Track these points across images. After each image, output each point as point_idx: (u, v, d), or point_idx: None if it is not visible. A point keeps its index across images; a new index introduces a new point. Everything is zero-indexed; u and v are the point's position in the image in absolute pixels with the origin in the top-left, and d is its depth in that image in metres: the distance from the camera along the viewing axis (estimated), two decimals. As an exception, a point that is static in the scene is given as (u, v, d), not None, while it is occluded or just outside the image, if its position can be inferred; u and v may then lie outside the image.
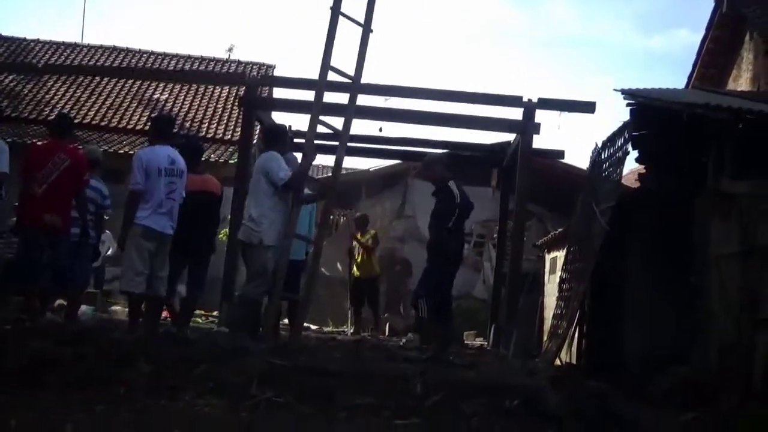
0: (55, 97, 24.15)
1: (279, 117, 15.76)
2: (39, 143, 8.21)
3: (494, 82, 74.79)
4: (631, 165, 11.55)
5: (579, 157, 56.36)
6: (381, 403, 6.12)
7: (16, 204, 8.46)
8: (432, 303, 9.15)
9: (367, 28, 8.78)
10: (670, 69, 67.21)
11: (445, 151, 11.48)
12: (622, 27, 77.93)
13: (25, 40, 27.46)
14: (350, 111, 8.92)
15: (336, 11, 8.62)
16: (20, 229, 8.24)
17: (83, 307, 11.40)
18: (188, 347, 7.30)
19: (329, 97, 12.34)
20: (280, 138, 8.50)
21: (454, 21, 79.02)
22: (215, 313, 12.92)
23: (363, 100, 11.99)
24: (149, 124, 8.67)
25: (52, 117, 22.02)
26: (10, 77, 24.63)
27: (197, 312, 12.99)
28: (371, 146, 14.75)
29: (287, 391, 6.17)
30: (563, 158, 14.03)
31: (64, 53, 26.88)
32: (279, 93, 19.14)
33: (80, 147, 9.37)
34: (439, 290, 9.41)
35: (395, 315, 16.76)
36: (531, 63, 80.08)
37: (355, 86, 8.91)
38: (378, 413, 5.91)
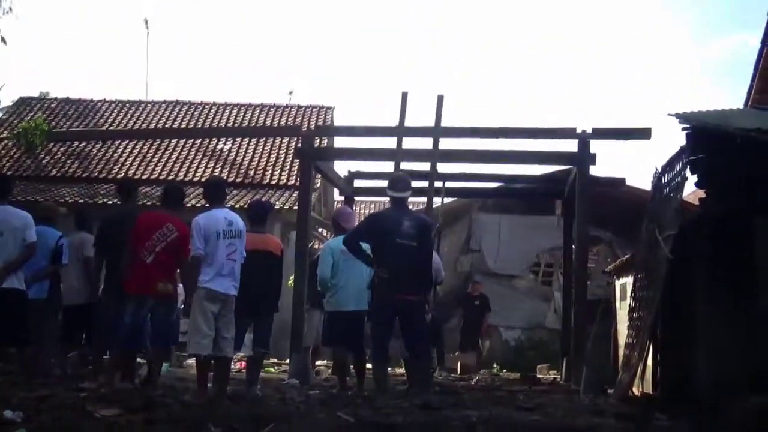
0: (123, 155, 24.74)
1: (337, 165, 16.09)
2: (150, 212, 8.47)
3: (550, 101, 74.20)
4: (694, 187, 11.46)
5: (646, 173, 55.43)
6: (446, 454, 6.17)
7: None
8: None
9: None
10: (733, 75, 65.74)
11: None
12: (679, 35, 76.84)
13: (92, 101, 28.31)
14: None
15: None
16: (128, 295, 8.23)
17: (158, 365, 11.66)
18: (257, 406, 7.43)
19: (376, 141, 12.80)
20: None
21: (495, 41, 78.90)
22: (287, 361, 13.05)
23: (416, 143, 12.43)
24: (203, 189, 8.87)
25: (121, 175, 22.92)
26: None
27: (269, 361, 13.20)
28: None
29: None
30: (624, 185, 13.91)
31: (129, 111, 27.59)
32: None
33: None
34: None
35: (468, 352, 16.69)
36: (585, 78, 79.37)
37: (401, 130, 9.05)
38: (443, 466, 5.96)
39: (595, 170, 11.78)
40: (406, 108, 12.88)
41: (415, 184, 14.12)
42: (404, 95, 12.81)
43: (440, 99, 12.48)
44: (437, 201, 14.41)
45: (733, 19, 70.25)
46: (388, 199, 9.15)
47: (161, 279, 8.06)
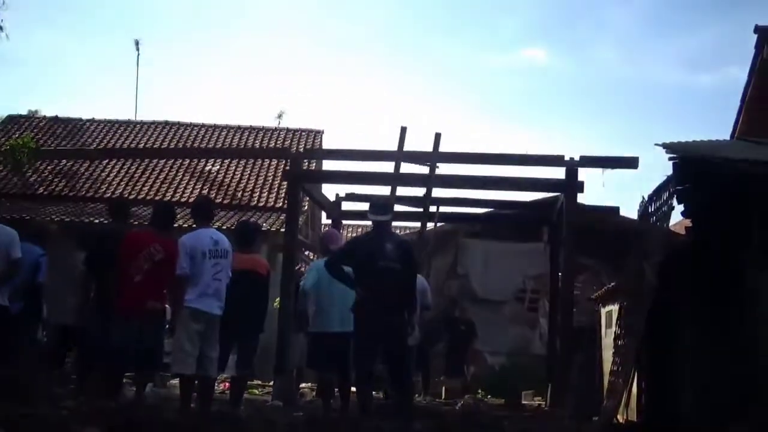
0: (111, 175, 24.68)
1: (326, 188, 16.08)
2: (137, 231, 8.43)
3: (542, 133, 74.59)
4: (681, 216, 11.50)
5: (635, 203, 55.40)
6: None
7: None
8: None
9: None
10: (722, 107, 66.15)
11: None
12: (668, 67, 77.35)
13: (81, 120, 28.28)
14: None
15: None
16: (117, 314, 8.14)
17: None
18: (239, 427, 7.37)
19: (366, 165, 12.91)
20: None
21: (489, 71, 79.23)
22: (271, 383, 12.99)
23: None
24: (190, 209, 8.85)
25: (108, 195, 22.84)
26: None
27: (253, 383, 13.12)
28: (419, 210, 14.88)
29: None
30: (618, 214, 13.92)
31: (119, 131, 27.55)
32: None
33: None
34: None
35: (453, 377, 16.62)
36: (576, 109, 79.79)
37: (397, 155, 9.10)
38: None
39: (582, 198, 11.85)
40: (404, 142, 12.88)
41: (408, 209, 14.31)
42: (403, 129, 12.82)
43: (437, 136, 12.48)
44: (430, 225, 14.43)
45: (721, 52, 70.93)
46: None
47: (150, 298, 8.01)
